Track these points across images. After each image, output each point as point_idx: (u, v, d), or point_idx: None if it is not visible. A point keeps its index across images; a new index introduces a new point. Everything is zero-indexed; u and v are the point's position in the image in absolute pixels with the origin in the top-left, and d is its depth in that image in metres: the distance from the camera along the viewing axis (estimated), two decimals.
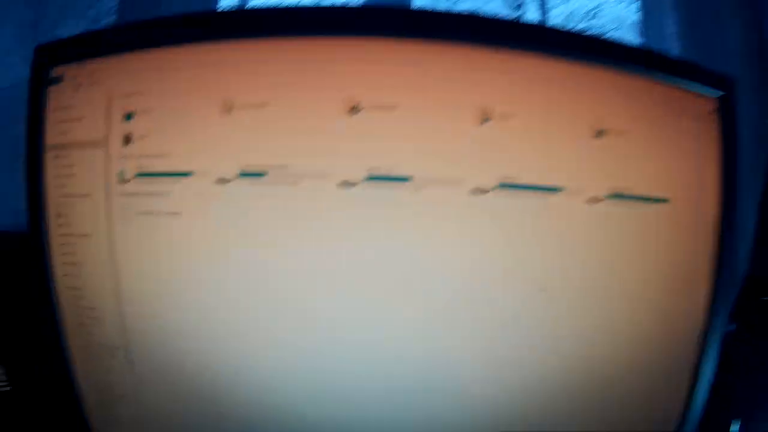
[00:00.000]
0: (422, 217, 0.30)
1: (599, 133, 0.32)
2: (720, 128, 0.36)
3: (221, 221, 0.31)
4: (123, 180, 0.32)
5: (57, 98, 0.35)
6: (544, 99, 0.31)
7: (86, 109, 0.34)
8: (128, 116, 0.32)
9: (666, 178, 0.34)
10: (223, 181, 0.31)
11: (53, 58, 0.35)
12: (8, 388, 0.40)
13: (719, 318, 0.35)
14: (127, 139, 0.33)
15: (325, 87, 0.29)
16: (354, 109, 0.29)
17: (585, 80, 0.32)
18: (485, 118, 0.30)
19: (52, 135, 0.35)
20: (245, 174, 0.30)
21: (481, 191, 0.30)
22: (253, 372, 0.32)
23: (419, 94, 0.29)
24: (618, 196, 0.32)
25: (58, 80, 0.35)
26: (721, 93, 0.36)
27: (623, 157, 0.33)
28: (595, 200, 0.32)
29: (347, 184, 0.29)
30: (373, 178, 0.29)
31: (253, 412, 0.33)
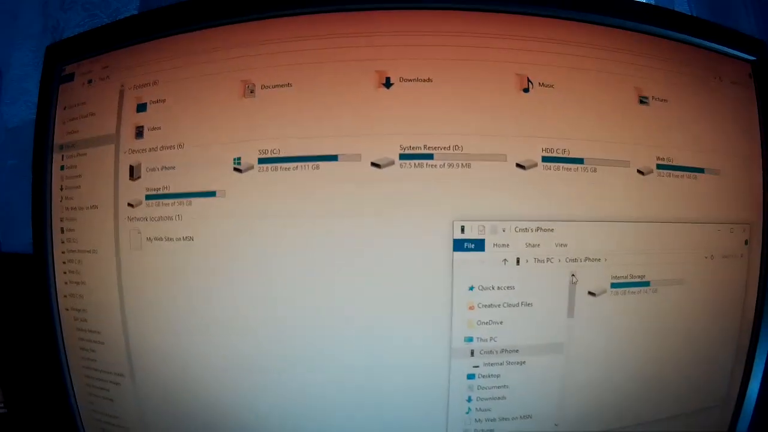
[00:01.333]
0: (461, 193, 0.25)
1: (643, 100, 0.29)
2: (758, 93, 0.32)
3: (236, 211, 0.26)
4: (134, 177, 0.29)
5: (67, 96, 0.32)
6: (585, 66, 0.27)
7: (97, 103, 0.30)
8: (140, 107, 0.29)
9: (710, 146, 0.30)
10: (242, 168, 0.27)
11: (64, 55, 0.32)
12: (4, 411, 0.35)
13: None
14: (139, 132, 0.29)
15: (353, 62, 0.25)
16: (386, 84, 0.25)
17: (625, 46, 0.28)
18: (525, 88, 0.26)
19: (60, 134, 0.31)
20: (265, 160, 0.26)
21: (528, 165, 0.26)
22: (267, 406, 0.27)
23: (454, 65, 0.26)
24: (666, 166, 0.28)
25: (69, 78, 0.32)
26: (753, 57, 0.33)
27: (668, 125, 0.29)
28: (645, 170, 0.28)
29: (379, 164, 0.25)
30: (406, 157, 0.25)
31: None
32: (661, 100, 0.29)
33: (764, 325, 0.33)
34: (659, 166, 0.29)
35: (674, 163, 0.29)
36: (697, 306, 0.30)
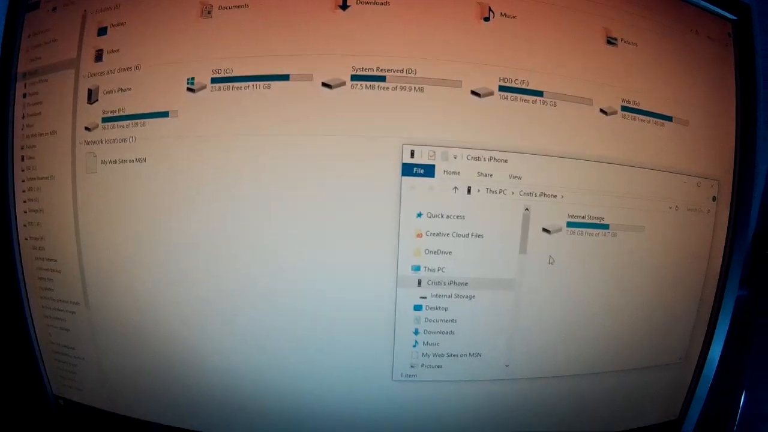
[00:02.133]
0: (413, 116, 0.24)
1: (611, 41, 0.27)
2: (737, 54, 0.31)
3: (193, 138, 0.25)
4: (92, 101, 0.28)
5: (32, 24, 0.30)
6: (551, 0, 0.26)
7: (61, 29, 0.29)
8: (101, 31, 0.28)
9: (680, 96, 0.29)
10: (195, 88, 0.25)
11: None
12: None
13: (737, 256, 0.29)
14: (99, 55, 0.28)
15: None
16: (342, 6, 0.24)
17: None
18: (486, 17, 0.25)
19: (24, 62, 0.30)
20: (217, 80, 0.25)
21: (483, 93, 0.24)
22: (218, 331, 0.26)
23: None
24: (631, 109, 0.27)
25: (35, 6, 0.31)
26: (735, 17, 0.31)
27: (635, 68, 0.27)
28: (609, 110, 0.26)
29: (330, 84, 0.24)
30: (357, 78, 0.24)
31: (219, 371, 0.26)
32: (630, 43, 0.28)
33: (729, 285, 0.31)
34: (624, 108, 0.27)
35: (640, 107, 0.27)
36: (658, 256, 0.28)
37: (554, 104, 0.25)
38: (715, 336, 0.31)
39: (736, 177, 0.30)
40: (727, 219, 0.30)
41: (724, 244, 0.30)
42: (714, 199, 0.30)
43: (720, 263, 0.30)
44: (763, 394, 0.35)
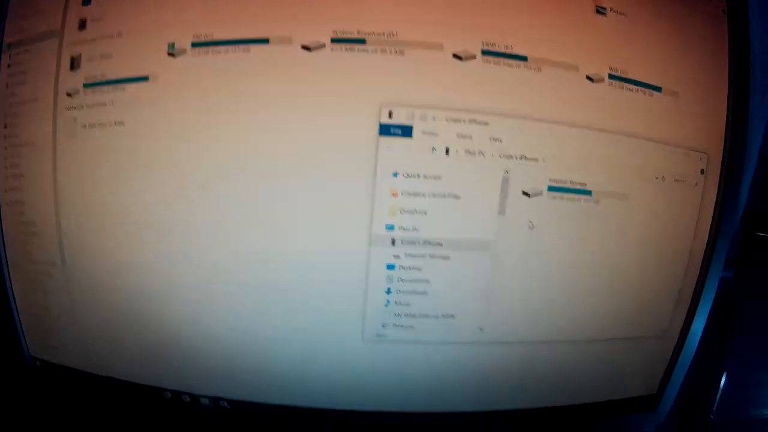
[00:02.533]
0: (392, 78, 0.23)
1: (600, 10, 0.26)
2: (730, 30, 0.30)
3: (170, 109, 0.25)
4: (74, 68, 0.27)
5: None
6: None
7: (46, 0, 0.29)
8: (86, 1, 0.27)
9: (670, 67, 0.28)
10: (175, 53, 0.25)
11: None
12: None
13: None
14: (83, 24, 0.28)
15: None
16: None
17: None
18: None
19: (9, 33, 0.30)
20: (197, 44, 0.24)
21: (465, 57, 0.24)
22: (193, 292, 0.26)
23: None
24: (618, 77, 0.26)
25: None
26: None
27: (624, 39, 0.26)
28: (596, 78, 0.25)
29: (310, 47, 0.24)
30: (337, 41, 0.23)
31: (193, 332, 0.26)
32: (620, 13, 0.27)
33: (715, 262, 0.30)
34: (611, 76, 0.26)
35: (628, 76, 0.27)
36: (641, 225, 0.27)
37: (539, 69, 0.25)
38: (697, 311, 0.30)
39: (726, 151, 0.29)
40: (715, 191, 0.29)
41: (711, 219, 0.30)
42: (702, 172, 0.29)
43: (706, 238, 0.30)
44: (744, 377, 0.34)
